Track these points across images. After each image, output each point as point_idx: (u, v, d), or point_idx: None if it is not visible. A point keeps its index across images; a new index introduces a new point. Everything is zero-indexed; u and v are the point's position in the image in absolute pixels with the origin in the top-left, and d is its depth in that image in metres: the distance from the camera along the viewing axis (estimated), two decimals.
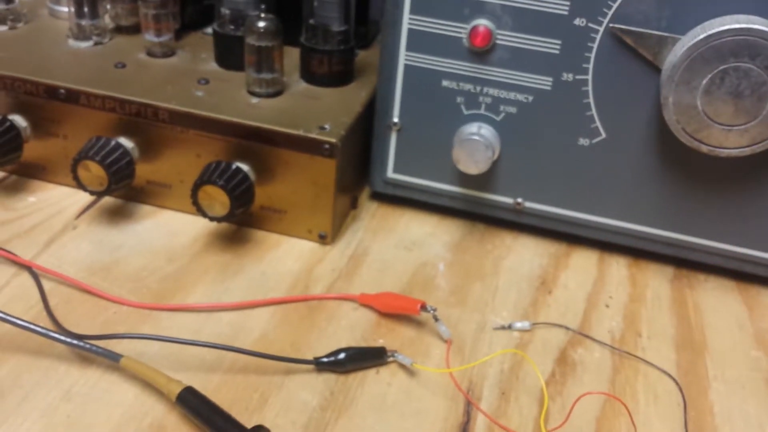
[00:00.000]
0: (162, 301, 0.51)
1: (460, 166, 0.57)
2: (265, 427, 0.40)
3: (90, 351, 0.45)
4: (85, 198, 0.60)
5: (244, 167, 0.54)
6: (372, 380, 0.46)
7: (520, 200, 0.60)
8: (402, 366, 0.47)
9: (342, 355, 0.47)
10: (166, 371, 0.44)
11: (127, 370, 0.44)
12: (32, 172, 0.62)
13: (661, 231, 0.58)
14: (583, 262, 0.60)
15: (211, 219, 0.54)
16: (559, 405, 0.46)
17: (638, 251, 0.61)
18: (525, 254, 0.60)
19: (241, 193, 0.53)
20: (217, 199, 0.53)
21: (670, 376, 0.49)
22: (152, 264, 0.54)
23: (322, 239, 0.58)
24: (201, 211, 0.53)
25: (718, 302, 0.57)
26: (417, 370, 0.47)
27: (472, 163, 0.56)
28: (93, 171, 0.54)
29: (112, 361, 0.44)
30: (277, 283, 0.54)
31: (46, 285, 0.51)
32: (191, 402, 0.42)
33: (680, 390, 0.48)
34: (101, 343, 0.45)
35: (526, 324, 0.52)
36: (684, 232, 0.58)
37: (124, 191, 0.59)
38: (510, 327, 0.52)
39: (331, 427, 0.43)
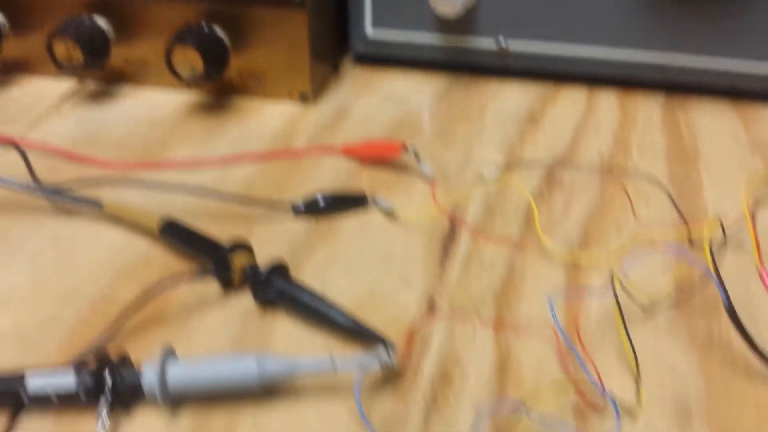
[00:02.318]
0: (146, 161, 0.51)
1: (437, 9, 0.56)
2: (242, 242, 0.40)
3: (73, 201, 0.45)
4: (68, 85, 0.60)
5: (215, 27, 0.54)
6: (353, 220, 0.46)
7: (502, 39, 0.58)
8: (384, 211, 0.46)
9: (320, 199, 0.46)
10: None
11: (112, 216, 0.45)
12: (14, 68, 0.62)
13: (652, 53, 0.56)
14: (572, 98, 0.59)
15: (188, 83, 0.54)
16: (545, 214, 0.46)
17: (628, 82, 0.59)
18: (511, 97, 0.59)
19: (213, 51, 0.53)
20: (191, 58, 0.52)
21: (658, 182, 0.48)
22: (136, 131, 0.54)
23: (304, 99, 0.58)
24: (176, 75, 0.53)
25: (711, 119, 0.56)
26: (399, 214, 0.46)
27: (449, 3, 0.55)
28: (67, 46, 0.54)
29: (95, 208, 0.45)
30: (260, 140, 0.54)
31: (33, 159, 0.51)
32: (174, 232, 0.42)
33: (669, 193, 0.47)
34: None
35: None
36: (675, 50, 0.56)
37: (103, 72, 0.59)
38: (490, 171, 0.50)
39: (317, 248, 0.43)
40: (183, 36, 0.52)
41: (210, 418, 0.33)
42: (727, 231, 0.42)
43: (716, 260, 0.37)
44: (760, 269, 0.33)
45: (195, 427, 0.33)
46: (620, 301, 0.36)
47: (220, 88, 0.58)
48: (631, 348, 0.35)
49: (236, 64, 0.57)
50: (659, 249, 0.33)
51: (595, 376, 0.34)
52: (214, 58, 0.53)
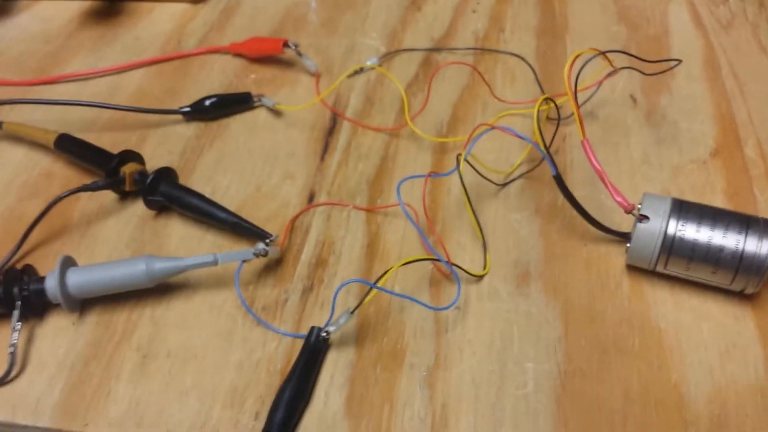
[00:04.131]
0: (42, 77, 0.53)
1: None
2: (132, 150, 0.43)
3: None
4: None
5: None
6: (240, 120, 0.49)
7: None
8: (270, 108, 0.49)
9: (207, 102, 0.48)
10: None
11: (11, 134, 0.47)
12: None
13: None
14: None
15: None
16: (420, 99, 0.49)
17: None
18: None
19: None
20: None
21: (524, 59, 0.52)
22: (31, 48, 0.56)
23: None
24: None
25: None
26: (284, 110, 0.49)
27: None
28: None
29: None
30: (151, 44, 0.56)
31: None
32: (68, 145, 0.45)
33: (533, 69, 0.51)
34: None
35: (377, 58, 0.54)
36: None
37: None
38: (371, 61, 0.52)
39: (206, 150, 0.47)
40: None
41: (113, 315, 0.37)
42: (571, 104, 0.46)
43: (557, 132, 0.42)
44: (582, 141, 0.37)
45: (100, 323, 0.37)
46: (478, 178, 0.40)
47: None
48: (476, 220, 0.40)
49: None
50: (498, 129, 0.37)
51: (441, 252, 0.39)
52: None
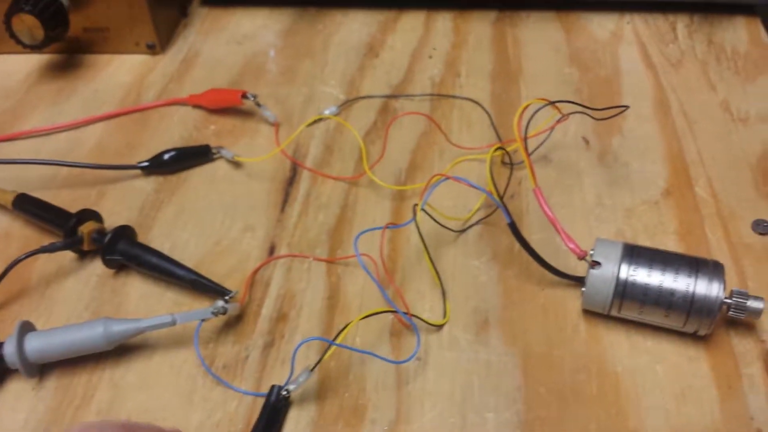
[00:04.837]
0: (1, 134, 0.52)
1: None
2: (90, 209, 0.43)
3: None
4: None
5: None
6: (200, 172, 0.49)
7: None
8: (229, 160, 0.49)
9: (166, 156, 0.48)
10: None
11: None
12: None
13: None
14: (410, 23, 0.62)
15: (32, 47, 0.55)
16: (378, 147, 0.50)
17: (463, 2, 0.63)
18: (354, 27, 0.62)
19: (50, 14, 0.54)
20: (30, 25, 0.53)
21: (480, 104, 0.53)
22: None
23: (151, 49, 0.59)
24: (20, 43, 0.54)
25: (537, 33, 0.60)
26: (243, 161, 0.49)
27: None
28: None
29: None
30: (110, 97, 0.56)
31: None
32: (26, 205, 0.45)
33: (488, 113, 0.52)
34: None
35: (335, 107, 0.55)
36: None
37: None
38: (330, 110, 0.53)
39: (165, 204, 0.47)
40: (19, 4, 0.53)
41: (72, 379, 0.37)
42: (532, 148, 0.47)
43: (511, 177, 0.43)
44: (534, 189, 0.38)
45: (59, 387, 0.37)
46: (436, 225, 0.41)
47: (68, 47, 0.59)
48: (434, 269, 0.40)
49: (78, 22, 0.57)
50: (452, 179, 0.37)
51: (400, 303, 0.39)
52: (53, 20, 0.54)
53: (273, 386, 0.35)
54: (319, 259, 0.43)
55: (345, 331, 0.35)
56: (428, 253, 0.40)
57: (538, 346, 0.38)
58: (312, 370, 0.35)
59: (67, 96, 0.56)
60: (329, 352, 0.35)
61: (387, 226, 0.41)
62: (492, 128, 0.51)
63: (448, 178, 0.38)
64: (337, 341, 0.35)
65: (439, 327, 0.39)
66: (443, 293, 0.40)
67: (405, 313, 0.37)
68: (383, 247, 0.42)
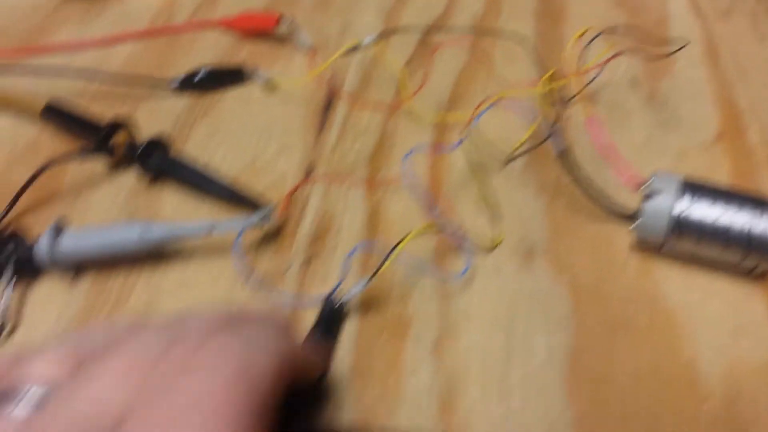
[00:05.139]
0: (28, 47, 0.51)
1: None
2: (121, 122, 0.42)
3: None
4: None
5: None
6: (233, 94, 0.47)
7: None
8: (263, 84, 0.48)
9: (199, 75, 0.47)
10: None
11: None
12: None
13: None
14: None
15: None
16: (416, 79, 0.48)
17: None
18: None
19: None
20: None
21: (522, 42, 0.51)
22: (16, 17, 0.54)
23: None
24: None
25: None
26: (278, 85, 0.47)
27: None
28: None
29: None
30: (140, 18, 0.54)
31: None
32: (55, 114, 0.43)
33: (532, 50, 0.50)
34: None
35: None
36: None
37: None
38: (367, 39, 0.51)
39: (199, 122, 0.45)
40: None
41: (107, 281, 0.36)
42: (578, 83, 0.45)
43: (563, 111, 0.41)
44: (588, 118, 0.36)
45: (93, 289, 0.36)
46: (480, 155, 0.39)
47: None
48: (485, 192, 0.39)
49: None
50: (505, 106, 0.36)
51: (452, 221, 0.38)
52: None
53: (329, 294, 0.34)
54: (360, 184, 0.41)
55: (403, 243, 0.33)
56: (479, 177, 0.39)
57: (586, 278, 0.37)
58: (371, 278, 0.33)
59: (95, 15, 0.54)
60: (387, 263, 0.33)
61: (436, 146, 0.39)
62: (535, 66, 0.49)
63: (499, 100, 0.37)
64: (391, 257, 0.33)
65: (488, 252, 0.37)
66: (495, 215, 0.39)
67: (458, 232, 0.36)
68: (430, 168, 0.41)
